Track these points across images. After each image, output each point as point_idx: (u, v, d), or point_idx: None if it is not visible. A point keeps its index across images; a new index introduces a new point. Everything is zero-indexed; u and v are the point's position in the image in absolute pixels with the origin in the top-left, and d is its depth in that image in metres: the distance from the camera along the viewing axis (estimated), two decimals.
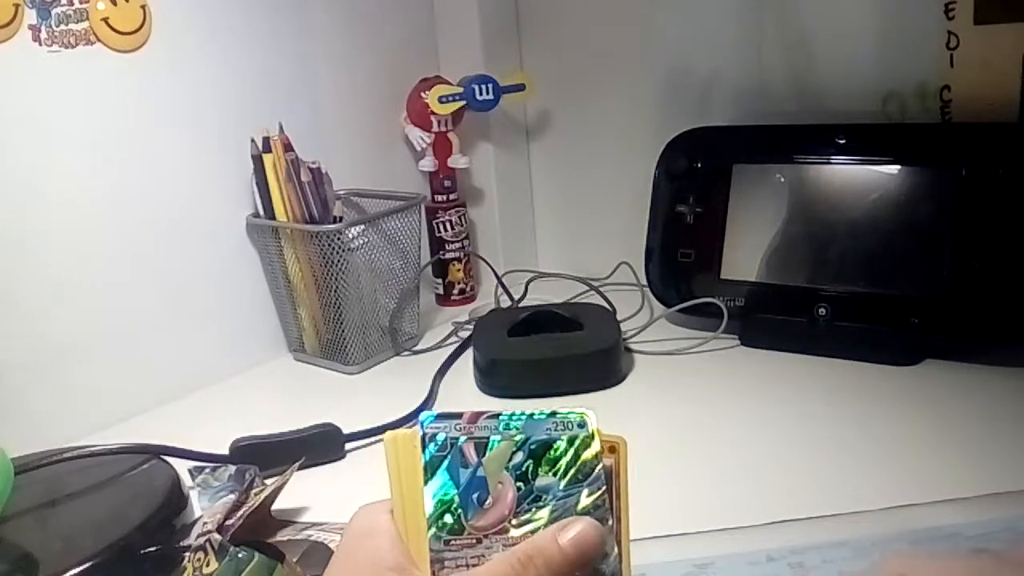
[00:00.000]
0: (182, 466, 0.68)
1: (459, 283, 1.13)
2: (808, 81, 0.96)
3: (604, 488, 0.36)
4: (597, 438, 0.37)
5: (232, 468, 0.66)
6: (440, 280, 1.13)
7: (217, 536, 0.52)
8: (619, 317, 0.96)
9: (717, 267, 0.92)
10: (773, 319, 0.89)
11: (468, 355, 0.93)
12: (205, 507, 0.64)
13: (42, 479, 0.65)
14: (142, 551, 0.57)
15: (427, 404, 0.84)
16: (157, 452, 0.69)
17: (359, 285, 0.94)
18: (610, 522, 0.36)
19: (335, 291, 0.92)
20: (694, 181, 0.94)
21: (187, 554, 0.53)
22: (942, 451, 0.67)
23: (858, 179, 0.86)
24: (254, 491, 0.61)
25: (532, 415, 0.36)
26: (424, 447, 0.35)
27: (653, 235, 0.97)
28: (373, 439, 0.77)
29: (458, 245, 1.12)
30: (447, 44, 1.14)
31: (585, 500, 0.35)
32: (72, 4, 0.78)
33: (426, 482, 0.35)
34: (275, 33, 0.96)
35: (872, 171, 0.86)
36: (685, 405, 0.80)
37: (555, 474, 0.35)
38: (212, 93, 0.91)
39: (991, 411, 0.72)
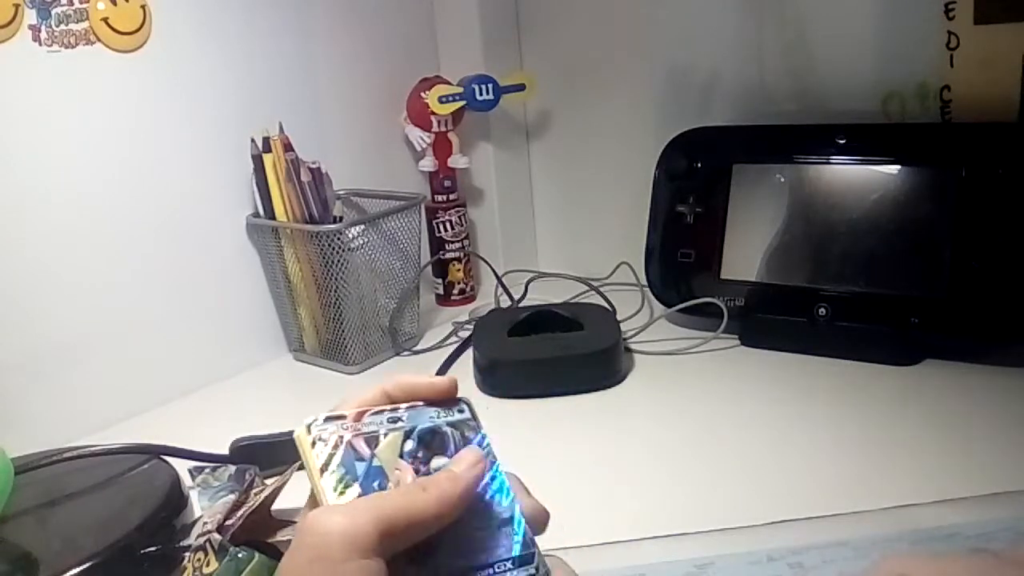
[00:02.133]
0: (182, 466, 0.68)
1: (459, 283, 1.13)
2: (808, 81, 0.96)
3: (496, 462, 0.38)
4: (478, 421, 0.39)
5: (232, 468, 0.66)
6: (440, 280, 1.13)
7: (217, 536, 0.52)
8: (619, 317, 0.96)
9: (717, 267, 0.92)
10: (773, 319, 0.89)
11: (468, 355, 0.93)
12: (205, 507, 0.64)
13: (42, 479, 0.65)
14: (142, 551, 0.57)
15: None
16: (157, 452, 0.69)
17: (359, 285, 0.94)
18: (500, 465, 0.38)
19: (335, 291, 0.92)
20: (694, 181, 0.94)
21: (187, 554, 0.53)
22: (942, 451, 0.67)
23: (858, 179, 0.86)
24: (254, 491, 0.61)
25: (413, 406, 0.38)
26: (313, 447, 0.35)
27: (653, 235, 0.97)
28: None
29: (458, 245, 1.12)
30: (447, 44, 1.14)
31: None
32: (72, 4, 0.78)
33: (323, 477, 0.35)
34: (275, 33, 0.96)
35: (872, 171, 0.86)
36: (685, 405, 0.80)
37: (447, 455, 0.37)
38: (212, 93, 0.91)
39: (991, 411, 0.72)
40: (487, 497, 0.37)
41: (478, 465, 0.36)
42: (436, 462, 0.37)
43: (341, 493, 0.34)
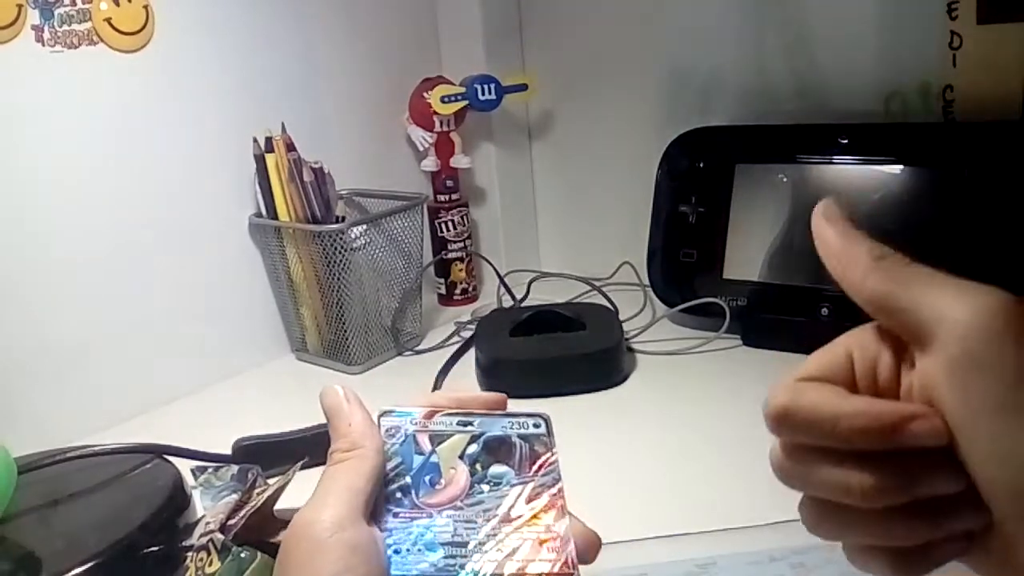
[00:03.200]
0: (184, 466, 0.68)
1: (461, 283, 1.13)
2: (810, 81, 0.96)
3: (560, 483, 0.38)
4: (553, 438, 0.39)
5: (235, 468, 0.66)
6: (442, 280, 1.13)
7: (220, 536, 0.52)
8: (621, 317, 0.95)
9: (719, 267, 0.92)
10: (775, 319, 0.89)
11: (470, 355, 0.93)
12: (207, 507, 0.64)
13: (45, 479, 0.65)
14: (144, 551, 0.57)
15: None
16: (160, 452, 0.69)
17: (361, 285, 0.94)
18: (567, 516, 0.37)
19: (337, 291, 0.92)
20: (696, 181, 0.94)
21: (189, 554, 0.53)
22: None
23: (861, 179, 0.86)
24: (257, 491, 0.61)
25: (489, 414, 0.39)
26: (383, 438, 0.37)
27: (655, 235, 0.97)
28: None
29: (460, 245, 1.12)
30: (449, 44, 1.14)
31: (538, 487, 0.37)
32: (75, 4, 0.78)
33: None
34: (278, 33, 0.97)
35: (875, 171, 0.86)
36: (687, 405, 0.80)
37: (510, 465, 0.37)
38: (214, 93, 0.91)
39: None
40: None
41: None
42: (495, 469, 0.37)
43: (390, 483, 0.36)
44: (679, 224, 0.95)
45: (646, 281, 1.00)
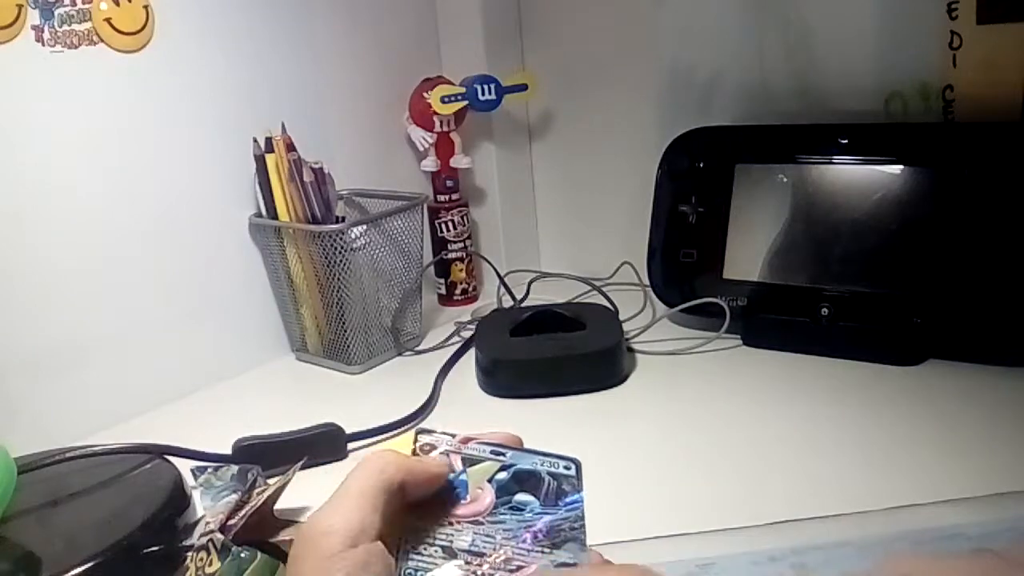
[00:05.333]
0: (185, 466, 0.68)
1: (461, 283, 1.13)
2: (810, 81, 0.96)
3: (582, 521, 0.38)
4: (581, 482, 0.40)
5: (235, 468, 0.66)
6: (442, 280, 1.13)
7: (220, 536, 0.52)
8: (621, 317, 0.96)
9: (719, 267, 0.92)
10: (776, 319, 0.89)
11: (470, 355, 0.93)
12: (208, 507, 0.64)
13: (45, 479, 0.65)
14: (145, 551, 0.57)
15: (429, 404, 0.84)
16: (160, 452, 0.69)
17: (361, 285, 0.94)
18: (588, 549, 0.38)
19: (337, 291, 0.92)
20: (696, 181, 0.94)
21: (190, 554, 0.53)
22: (945, 451, 0.67)
23: (861, 179, 0.86)
24: (256, 491, 0.61)
25: (521, 450, 0.40)
26: (412, 456, 0.39)
27: (655, 235, 0.97)
28: (375, 439, 0.77)
29: (460, 245, 1.12)
30: (449, 44, 1.14)
31: (560, 520, 0.38)
32: (75, 4, 0.78)
33: None
34: (278, 33, 0.97)
35: (875, 171, 0.86)
36: (687, 405, 0.80)
37: (536, 496, 0.38)
38: (215, 93, 0.91)
39: (994, 411, 0.72)
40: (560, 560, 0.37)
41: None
42: (521, 496, 0.38)
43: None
44: (679, 224, 0.95)
45: (646, 281, 1.00)
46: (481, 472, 0.38)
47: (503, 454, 0.39)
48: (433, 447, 0.39)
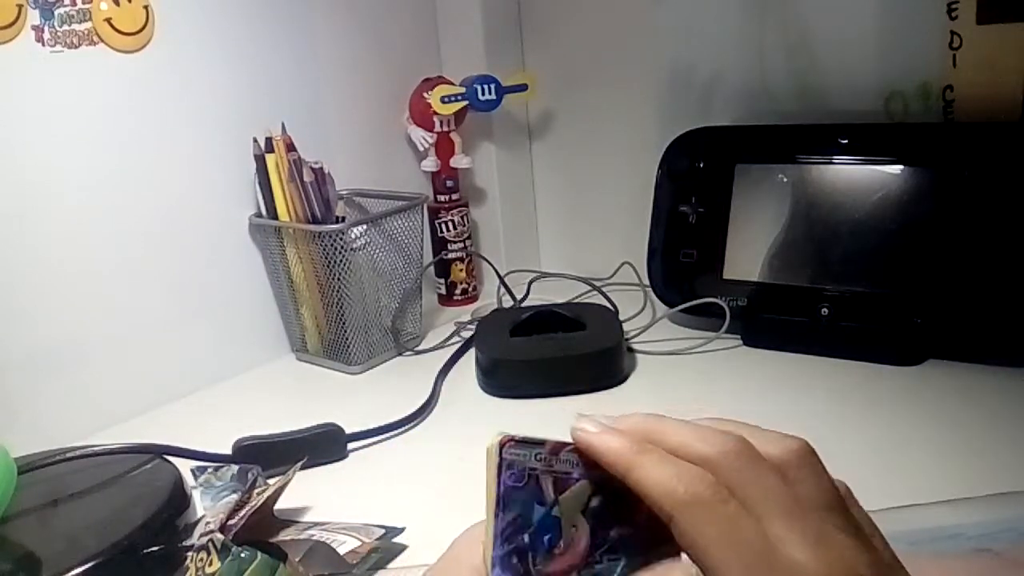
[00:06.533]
0: (185, 466, 0.68)
1: (461, 283, 1.13)
2: (810, 81, 0.96)
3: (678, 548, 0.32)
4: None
5: (235, 468, 0.67)
6: (442, 280, 1.13)
7: (220, 536, 0.52)
8: (621, 317, 0.96)
9: (719, 267, 0.92)
10: (776, 319, 0.89)
11: (470, 355, 0.93)
12: (208, 507, 0.64)
13: (45, 479, 0.65)
14: (145, 551, 0.57)
15: (429, 404, 0.84)
16: (160, 452, 0.69)
17: (361, 285, 0.94)
18: None
19: (337, 291, 0.92)
20: (696, 181, 0.94)
21: (190, 554, 0.53)
22: (944, 451, 0.67)
23: (861, 179, 0.86)
24: (257, 491, 0.61)
25: None
26: (499, 474, 0.30)
27: (655, 235, 0.97)
28: (375, 439, 0.77)
29: (460, 245, 1.12)
30: (449, 44, 1.14)
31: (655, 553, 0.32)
32: (75, 4, 0.78)
33: (497, 513, 0.30)
34: (278, 33, 0.97)
35: (875, 171, 0.86)
36: (687, 405, 0.80)
37: (632, 526, 0.31)
38: (215, 93, 0.91)
39: (994, 411, 0.72)
40: None
41: None
42: (615, 532, 0.31)
43: (506, 541, 0.29)
44: (679, 224, 0.95)
45: (646, 281, 1.00)
46: (574, 501, 0.30)
47: (597, 465, 0.31)
48: (521, 466, 0.30)
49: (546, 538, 0.29)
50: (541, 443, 0.30)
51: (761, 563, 0.26)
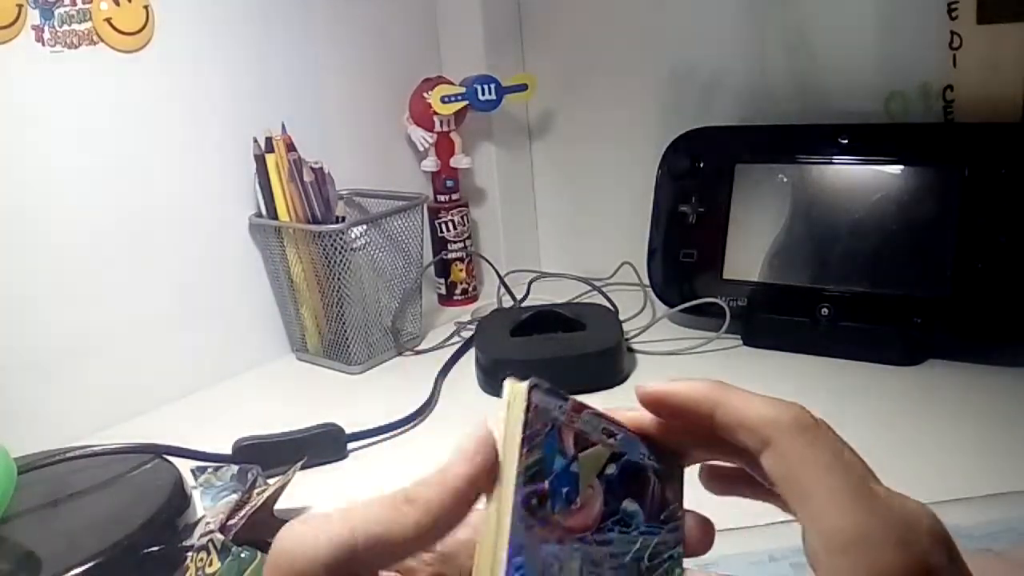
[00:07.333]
0: (185, 466, 0.68)
1: (461, 283, 1.13)
2: (811, 81, 0.96)
3: (680, 545, 0.33)
4: (683, 485, 0.34)
5: (235, 468, 0.66)
6: (442, 280, 1.13)
7: (220, 536, 0.52)
8: (621, 317, 0.96)
9: (719, 267, 0.92)
10: (776, 319, 0.89)
11: (470, 355, 0.93)
12: (208, 507, 0.64)
13: (45, 479, 0.65)
14: (145, 551, 0.57)
15: (429, 404, 0.84)
16: (160, 452, 0.69)
17: (361, 285, 0.94)
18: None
19: (337, 291, 0.92)
20: (696, 181, 0.94)
21: (190, 554, 0.53)
22: (945, 451, 0.67)
23: (861, 179, 0.86)
24: (256, 491, 0.61)
25: (629, 434, 0.32)
26: (526, 415, 0.29)
27: (655, 235, 0.97)
28: (375, 439, 0.77)
29: (460, 245, 1.12)
30: (449, 44, 1.14)
31: (661, 544, 0.31)
32: (75, 4, 0.78)
33: (522, 453, 0.28)
34: (278, 33, 0.97)
35: (875, 171, 0.86)
36: None
37: (642, 504, 0.31)
38: (215, 93, 0.91)
39: (994, 411, 0.72)
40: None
41: (474, 459, 0.28)
42: (627, 505, 0.30)
43: (528, 480, 0.28)
44: (679, 224, 0.95)
45: (646, 281, 1.00)
46: (593, 461, 0.29)
47: (614, 435, 0.30)
48: (547, 413, 0.29)
49: (564, 490, 0.29)
50: (565, 398, 0.30)
51: (863, 487, 0.27)
